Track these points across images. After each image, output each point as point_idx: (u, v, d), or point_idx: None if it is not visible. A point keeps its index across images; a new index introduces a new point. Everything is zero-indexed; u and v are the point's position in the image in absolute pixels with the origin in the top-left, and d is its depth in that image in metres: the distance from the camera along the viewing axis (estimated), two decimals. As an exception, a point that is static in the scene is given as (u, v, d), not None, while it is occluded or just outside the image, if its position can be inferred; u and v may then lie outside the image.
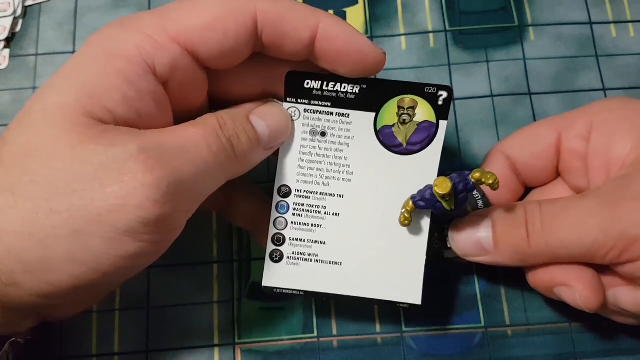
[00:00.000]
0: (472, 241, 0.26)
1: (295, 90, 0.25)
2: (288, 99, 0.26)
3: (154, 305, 0.31)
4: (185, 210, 0.22)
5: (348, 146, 0.26)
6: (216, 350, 0.30)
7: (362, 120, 0.26)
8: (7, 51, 0.36)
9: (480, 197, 0.28)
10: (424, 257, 0.26)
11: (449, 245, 0.28)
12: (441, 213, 0.25)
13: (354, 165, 0.26)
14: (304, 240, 0.26)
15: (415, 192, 0.25)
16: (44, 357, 0.27)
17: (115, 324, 0.30)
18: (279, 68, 0.25)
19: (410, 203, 0.25)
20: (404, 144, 0.26)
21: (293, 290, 0.26)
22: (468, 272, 0.31)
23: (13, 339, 0.23)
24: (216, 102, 0.26)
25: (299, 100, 0.26)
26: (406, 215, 0.25)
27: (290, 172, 0.26)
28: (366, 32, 0.35)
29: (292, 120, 0.26)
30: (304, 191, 0.26)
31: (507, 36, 0.35)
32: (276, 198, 0.26)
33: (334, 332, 0.30)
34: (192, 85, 0.24)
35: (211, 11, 0.22)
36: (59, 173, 0.20)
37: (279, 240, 0.26)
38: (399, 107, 0.25)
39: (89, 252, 0.20)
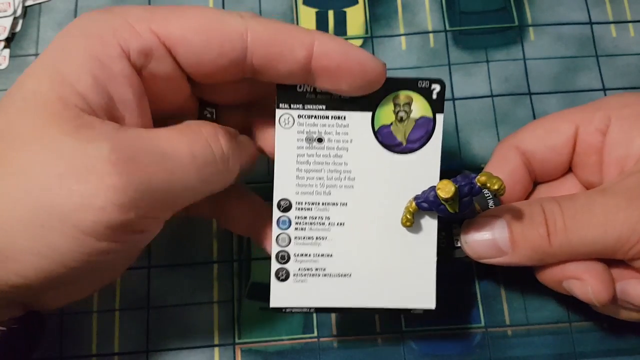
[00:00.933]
0: (487, 243, 0.25)
1: (287, 96, 0.24)
2: (280, 105, 0.24)
3: (154, 305, 0.31)
4: (156, 217, 0.21)
5: (347, 150, 0.25)
6: (216, 350, 0.30)
7: (359, 121, 0.25)
8: (7, 51, 0.36)
9: (490, 197, 0.27)
10: (435, 260, 0.25)
11: (456, 245, 0.28)
12: (446, 215, 0.25)
13: (354, 170, 0.25)
14: (310, 255, 0.25)
15: (419, 192, 0.25)
16: (31, 349, 0.27)
17: (115, 324, 0.30)
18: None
19: (413, 204, 0.24)
20: (404, 142, 0.25)
21: (303, 308, 0.25)
22: (468, 272, 0.31)
23: None
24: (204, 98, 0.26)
25: (292, 106, 0.24)
26: (408, 216, 0.24)
27: (289, 184, 0.25)
28: (366, 32, 0.35)
29: (285, 128, 0.25)
30: (305, 203, 0.25)
31: (507, 36, 0.35)
32: (276, 213, 0.25)
33: (334, 332, 0.30)
34: (169, 80, 0.23)
35: (200, 18, 0.22)
36: (27, 164, 0.19)
37: (284, 257, 0.25)
38: (395, 104, 0.25)
39: (52, 247, 0.19)
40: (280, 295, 0.25)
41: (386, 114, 0.25)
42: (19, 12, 0.36)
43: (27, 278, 0.20)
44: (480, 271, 0.31)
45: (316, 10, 0.36)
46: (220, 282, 0.31)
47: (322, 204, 0.25)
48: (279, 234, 0.25)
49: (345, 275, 0.25)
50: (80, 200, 0.19)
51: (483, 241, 0.26)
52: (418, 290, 0.25)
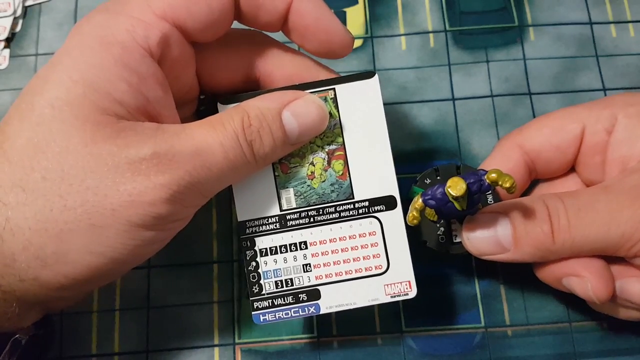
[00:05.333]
0: (489, 240, 0.25)
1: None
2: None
3: (154, 305, 0.31)
4: (195, 205, 0.23)
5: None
6: (216, 350, 0.30)
7: None
8: (7, 51, 0.36)
9: (490, 192, 0.27)
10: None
11: (455, 240, 0.28)
12: (452, 212, 0.24)
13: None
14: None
15: (428, 191, 0.24)
16: (46, 351, 0.27)
17: (115, 324, 0.30)
18: (260, 51, 0.26)
19: (420, 201, 0.24)
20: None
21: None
22: (468, 272, 0.31)
23: (17, 335, 0.24)
24: (204, 86, 0.27)
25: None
26: (415, 213, 0.24)
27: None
28: (366, 32, 0.35)
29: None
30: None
31: (507, 36, 0.35)
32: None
33: (334, 332, 0.30)
34: (182, 62, 0.24)
35: None
36: (71, 170, 0.21)
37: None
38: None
39: (106, 243, 0.21)
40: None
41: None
42: (19, 12, 0.36)
43: (76, 279, 0.21)
44: (480, 271, 0.31)
45: (316, 10, 0.36)
46: (220, 282, 0.31)
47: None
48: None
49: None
50: (130, 198, 0.21)
51: (485, 238, 0.26)
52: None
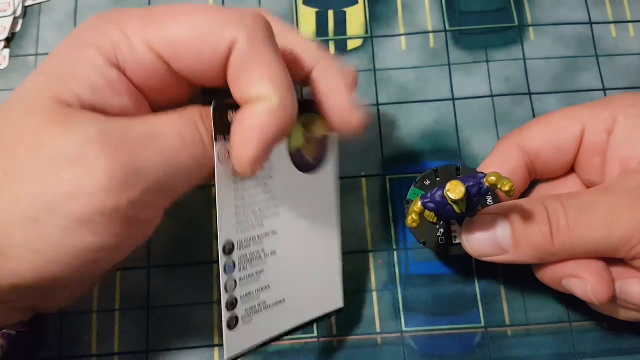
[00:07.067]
0: (489, 242, 0.25)
1: (223, 125, 0.22)
2: (218, 137, 0.22)
3: (154, 305, 0.31)
4: (150, 204, 0.21)
5: (271, 177, 0.24)
6: (216, 350, 0.30)
7: (277, 146, 0.23)
8: (7, 51, 0.36)
9: (489, 194, 0.27)
10: (340, 263, 0.26)
11: (454, 242, 0.28)
12: (451, 215, 0.24)
13: (279, 196, 0.24)
14: (253, 293, 0.24)
15: (427, 196, 0.24)
16: (38, 349, 0.27)
17: (115, 324, 0.30)
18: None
19: (419, 204, 0.24)
20: (311, 161, 0.26)
21: (251, 347, 0.24)
22: (468, 272, 0.31)
23: (4, 330, 0.23)
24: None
25: (226, 137, 0.22)
26: (414, 217, 0.24)
27: (230, 223, 0.23)
28: (366, 32, 0.35)
29: (222, 164, 0.22)
30: (245, 240, 0.24)
31: (507, 36, 0.35)
32: (223, 259, 0.23)
33: (334, 332, 0.30)
34: (169, 86, 0.23)
35: (192, 26, 0.21)
36: (20, 159, 0.19)
37: (233, 304, 0.23)
38: (303, 126, 0.25)
39: (46, 242, 0.19)
40: (234, 344, 0.23)
41: (297, 136, 0.25)
42: (19, 12, 0.36)
43: (23, 278, 0.20)
44: (480, 271, 0.31)
45: (316, 10, 0.36)
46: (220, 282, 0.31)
47: (258, 237, 0.24)
48: (227, 281, 0.23)
49: (280, 302, 0.25)
50: (69, 188, 0.19)
51: (484, 239, 0.26)
52: (329, 294, 0.27)
